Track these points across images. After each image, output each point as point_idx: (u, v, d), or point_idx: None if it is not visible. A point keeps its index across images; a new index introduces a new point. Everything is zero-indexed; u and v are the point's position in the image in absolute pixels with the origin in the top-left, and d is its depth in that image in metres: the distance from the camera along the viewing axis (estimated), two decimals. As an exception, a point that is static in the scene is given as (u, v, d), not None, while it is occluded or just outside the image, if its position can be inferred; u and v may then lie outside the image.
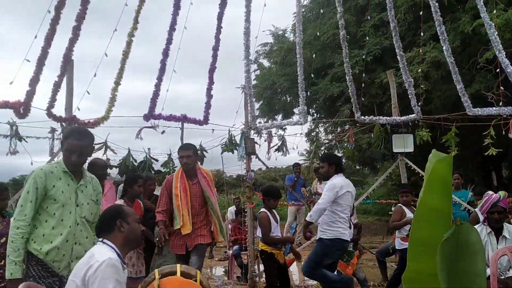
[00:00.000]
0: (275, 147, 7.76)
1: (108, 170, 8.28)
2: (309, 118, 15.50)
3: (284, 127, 9.73)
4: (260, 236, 5.43)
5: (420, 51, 9.38)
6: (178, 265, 3.17)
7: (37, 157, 7.82)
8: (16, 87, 5.88)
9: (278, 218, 5.63)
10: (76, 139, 3.39)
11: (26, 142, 6.21)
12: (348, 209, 5.44)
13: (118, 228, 2.84)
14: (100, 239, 2.87)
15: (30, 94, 5.75)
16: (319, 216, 5.26)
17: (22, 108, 5.61)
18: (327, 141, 13.79)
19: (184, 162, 5.12)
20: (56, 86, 5.99)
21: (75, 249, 3.33)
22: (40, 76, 5.93)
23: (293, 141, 8.39)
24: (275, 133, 8.12)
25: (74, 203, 3.39)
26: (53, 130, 6.26)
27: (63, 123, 5.93)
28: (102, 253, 2.70)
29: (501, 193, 4.82)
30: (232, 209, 10.49)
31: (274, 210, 5.61)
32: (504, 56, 6.82)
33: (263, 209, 5.54)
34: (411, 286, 1.91)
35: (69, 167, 3.42)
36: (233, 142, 7.34)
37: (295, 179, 10.94)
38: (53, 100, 5.90)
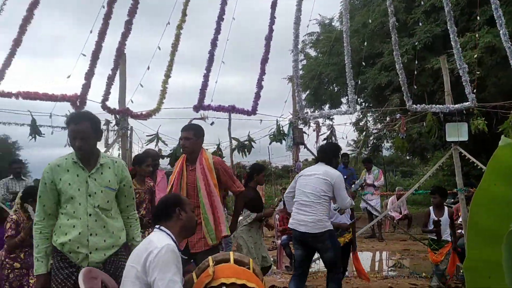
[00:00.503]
0: (324, 137, 7.70)
1: (160, 160, 8.51)
2: (358, 107, 15.28)
3: (332, 117, 9.64)
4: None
5: (477, 35, 9.02)
6: (231, 253, 3.21)
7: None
8: (73, 81, 6.12)
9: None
10: (74, 124, 3.22)
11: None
12: (300, 193, 4.99)
13: (177, 215, 2.92)
14: (158, 226, 2.94)
15: (86, 88, 5.96)
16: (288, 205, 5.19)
17: (78, 101, 5.83)
18: (376, 131, 13.54)
19: (182, 144, 4.55)
20: (110, 80, 6.18)
21: (91, 241, 3.19)
22: (95, 70, 6.13)
23: (342, 131, 8.31)
24: (323, 123, 8.07)
25: (84, 193, 3.22)
26: (107, 122, 6.48)
27: (117, 115, 6.12)
28: (160, 239, 2.78)
29: None
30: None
31: None
32: None
33: None
34: (473, 275, 1.84)
35: (78, 156, 3.27)
36: (281, 132, 7.34)
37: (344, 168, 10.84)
38: (107, 93, 6.10)
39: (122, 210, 3.47)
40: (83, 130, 3.20)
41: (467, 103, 6.98)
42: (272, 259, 9.20)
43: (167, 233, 2.87)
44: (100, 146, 6.53)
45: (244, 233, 5.67)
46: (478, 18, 8.48)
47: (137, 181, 5.40)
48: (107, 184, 3.29)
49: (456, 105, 7.02)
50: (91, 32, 5.87)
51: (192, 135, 4.45)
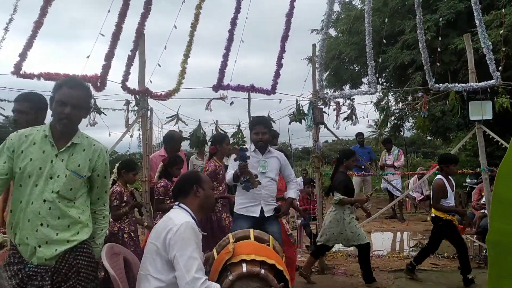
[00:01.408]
0: (344, 116, 7.63)
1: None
2: (379, 87, 15.05)
3: (352, 97, 9.52)
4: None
5: (503, 11, 8.75)
6: (251, 230, 3.24)
7: (114, 130, 8.22)
8: (93, 62, 6.15)
9: (454, 185, 6.19)
10: (70, 87, 2.75)
11: (105, 115, 6.51)
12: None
13: (194, 192, 2.96)
14: (177, 203, 2.98)
15: (106, 68, 5.98)
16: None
17: (99, 82, 5.86)
18: (397, 110, 13.37)
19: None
20: (130, 60, 6.18)
21: (41, 232, 2.65)
22: (115, 51, 6.15)
23: (362, 110, 8.22)
24: (343, 103, 7.97)
25: (45, 174, 2.68)
26: (127, 103, 6.52)
27: (137, 96, 6.15)
28: (180, 217, 2.81)
29: None
30: (299, 180, 10.53)
31: (451, 178, 6.13)
32: None
33: (439, 176, 6.10)
34: (496, 249, 1.80)
35: (54, 128, 2.77)
36: (301, 112, 7.29)
37: (360, 148, 10.85)
38: (127, 73, 6.11)
39: (90, 203, 2.97)
40: (78, 97, 2.77)
41: (491, 81, 6.80)
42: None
43: (186, 210, 2.90)
44: (121, 126, 6.63)
45: (331, 215, 5.99)
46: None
47: (218, 159, 5.82)
48: (74, 169, 2.77)
49: (480, 83, 6.85)
50: (108, 11, 5.85)
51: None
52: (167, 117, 6.83)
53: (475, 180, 10.91)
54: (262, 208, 4.75)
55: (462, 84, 6.97)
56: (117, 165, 5.17)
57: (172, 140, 6.13)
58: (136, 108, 6.22)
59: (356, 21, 13.54)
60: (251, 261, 2.91)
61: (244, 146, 4.78)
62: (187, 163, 8.36)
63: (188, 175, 3.20)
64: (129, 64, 6.10)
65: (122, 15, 6.10)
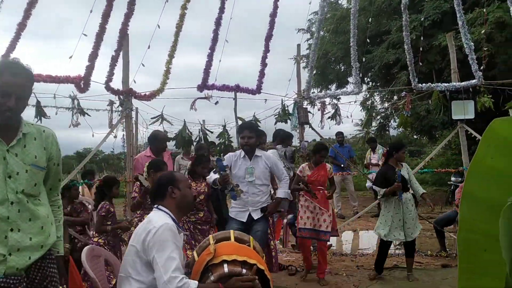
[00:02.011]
0: (329, 115, 7.67)
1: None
2: (364, 87, 15.18)
3: (338, 97, 9.58)
4: None
5: (484, 10, 8.85)
6: (232, 231, 3.24)
7: (98, 130, 8.19)
8: (76, 63, 6.13)
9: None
10: (13, 75, 2.36)
11: (89, 116, 6.49)
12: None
13: (169, 194, 2.94)
14: (156, 205, 2.98)
15: (90, 69, 5.97)
16: None
17: (82, 83, 5.84)
18: (382, 110, 13.47)
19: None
20: (114, 61, 6.18)
21: (11, 238, 2.31)
22: (99, 51, 6.13)
23: (347, 110, 8.27)
24: (329, 103, 8.03)
25: (1, 174, 2.35)
26: (111, 103, 6.51)
27: (121, 96, 6.13)
28: (159, 219, 2.81)
29: None
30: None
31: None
32: None
33: None
34: (467, 247, 1.83)
35: None
36: (286, 112, 7.32)
37: (339, 147, 10.94)
38: (110, 74, 6.11)
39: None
40: (22, 85, 2.41)
41: (473, 80, 6.89)
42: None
43: (165, 212, 2.90)
44: (104, 127, 6.62)
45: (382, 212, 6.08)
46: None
47: None
48: (33, 161, 2.45)
49: (463, 83, 6.94)
50: (91, 11, 5.84)
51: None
52: (151, 118, 6.82)
53: (460, 179, 11.02)
54: (250, 213, 4.93)
55: (445, 84, 7.06)
56: (146, 164, 5.28)
57: (156, 140, 6.11)
58: (120, 108, 6.20)
59: (342, 21, 13.63)
60: (232, 261, 2.91)
61: (220, 157, 4.91)
62: (173, 163, 8.34)
63: (162, 177, 3.15)
64: (112, 65, 6.09)
65: (106, 16, 6.08)
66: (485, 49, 7.37)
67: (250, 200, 4.91)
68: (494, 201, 1.75)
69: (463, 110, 6.83)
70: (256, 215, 4.94)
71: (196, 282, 2.70)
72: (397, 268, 6.48)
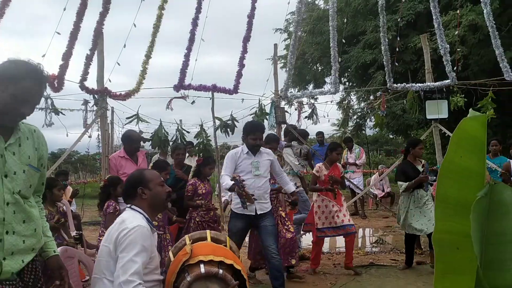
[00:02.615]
0: (306, 115, 7.72)
1: (142, 143, 8.46)
2: (341, 87, 15.32)
3: (315, 97, 9.65)
4: None
5: (458, 12, 9.03)
6: (208, 231, 3.23)
7: (72, 130, 8.07)
8: (50, 61, 6.04)
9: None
10: (34, 82, 2.26)
11: (64, 115, 6.38)
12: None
13: (139, 195, 2.90)
14: (128, 205, 2.94)
15: (64, 68, 5.87)
16: None
17: (56, 82, 5.74)
18: (359, 110, 13.61)
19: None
20: (88, 60, 6.09)
21: (7, 241, 2.20)
22: (73, 50, 6.04)
23: (323, 109, 8.33)
24: (306, 103, 8.07)
25: None
26: (86, 102, 6.41)
27: (95, 95, 6.05)
28: (133, 219, 2.77)
29: None
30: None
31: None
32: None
33: None
34: (440, 245, 1.87)
35: None
36: (264, 111, 7.33)
37: (319, 146, 10.97)
38: (85, 73, 6.02)
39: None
40: (41, 93, 2.35)
41: (447, 81, 7.02)
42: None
43: (138, 212, 2.86)
44: (79, 127, 6.52)
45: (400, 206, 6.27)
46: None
47: None
48: (28, 161, 2.34)
49: (436, 83, 7.06)
50: (64, 9, 5.75)
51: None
52: (127, 117, 6.75)
53: (434, 177, 11.18)
54: (255, 207, 4.97)
55: (419, 84, 7.18)
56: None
57: (129, 140, 6.01)
58: (94, 108, 6.12)
59: (319, 22, 13.72)
60: (209, 261, 2.90)
61: (237, 176, 4.79)
62: (147, 162, 8.27)
63: (131, 178, 3.07)
64: (87, 63, 6.01)
65: (80, 14, 5.99)
66: (459, 49, 7.52)
67: (257, 193, 4.94)
68: (465, 200, 1.79)
69: (437, 110, 6.95)
70: (261, 210, 5.02)
71: None
72: (373, 265, 6.55)
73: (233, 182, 4.68)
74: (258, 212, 4.99)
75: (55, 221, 4.94)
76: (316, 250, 6.30)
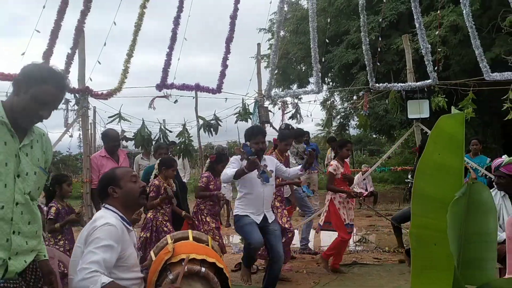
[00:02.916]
0: (289, 115, 7.74)
1: (124, 143, 8.39)
2: (325, 87, 15.40)
3: (299, 96, 9.67)
4: None
5: (439, 12, 9.14)
6: (190, 231, 3.23)
7: (53, 130, 7.98)
8: (30, 60, 5.94)
9: None
10: (57, 88, 2.30)
11: (43, 113, 6.29)
12: None
13: (111, 195, 2.87)
14: (103, 204, 2.92)
15: (44, 67, 5.80)
16: None
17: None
18: (342, 110, 13.68)
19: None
20: (69, 58, 6.03)
21: (14, 241, 2.23)
22: (54, 49, 5.97)
23: (307, 109, 8.36)
24: (290, 102, 8.10)
25: (12, 172, 2.22)
26: (67, 101, 6.32)
27: (77, 94, 5.99)
28: (103, 218, 2.75)
29: (506, 159, 4.70)
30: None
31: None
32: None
33: None
34: (417, 241, 1.88)
35: (12, 118, 2.24)
36: (247, 111, 7.33)
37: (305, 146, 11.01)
38: (66, 72, 5.95)
39: None
40: (61, 99, 2.41)
41: (428, 81, 7.10)
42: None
43: (112, 211, 2.84)
44: (60, 126, 6.44)
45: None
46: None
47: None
48: (38, 164, 2.39)
49: (418, 83, 7.14)
50: (44, 7, 5.67)
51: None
52: (109, 117, 6.68)
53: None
54: (265, 216, 5.00)
55: (401, 84, 7.25)
56: (157, 161, 5.56)
57: (106, 138, 5.97)
58: (76, 107, 6.05)
59: (303, 21, 13.77)
60: (191, 260, 2.89)
61: (246, 143, 4.84)
62: (131, 163, 8.22)
63: (103, 178, 3.04)
64: (68, 62, 5.94)
65: (61, 12, 5.92)
66: (440, 50, 7.61)
67: (265, 203, 4.98)
68: (442, 197, 1.81)
69: (418, 110, 7.03)
70: (270, 218, 5.05)
71: (110, 280, 2.56)
72: (356, 264, 6.59)
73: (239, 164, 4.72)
74: (269, 221, 5.02)
75: (77, 211, 4.98)
76: (343, 247, 6.36)
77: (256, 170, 4.62)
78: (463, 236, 1.80)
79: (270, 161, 5.16)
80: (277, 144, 6.17)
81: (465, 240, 1.81)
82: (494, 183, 4.76)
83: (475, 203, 1.80)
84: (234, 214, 5.18)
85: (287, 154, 6.35)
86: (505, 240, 4.19)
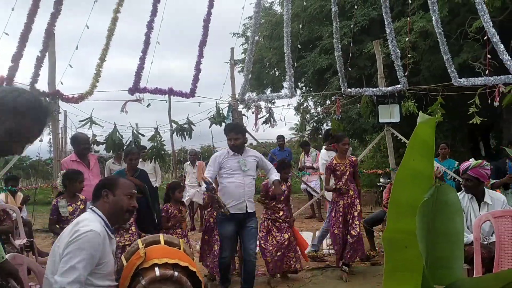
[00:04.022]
0: (263, 119, 7.76)
1: (96, 147, 8.27)
2: (298, 91, 15.51)
3: (273, 101, 9.70)
4: None
5: (408, 19, 9.33)
6: (161, 235, 3.20)
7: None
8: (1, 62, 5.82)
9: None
10: (36, 124, 2.12)
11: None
12: None
13: (103, 197, 2.86)
14: (91, 206, 2.89)
15: (13, 70, 5.69)
16: None
17: (5, 84, 5.55)
18: (316, 114, 13.80)
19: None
20: (39, 61, 5.92)
21: None
22: (23, 51, 5.86)
23: (280, 113, 8.40)
24: (264, 107, 8.11)
25: None
26: (36, 105, 6.20)
27: (47, 98, 5.88)
28: (88, 222, 2.71)
29: (472, 162, 4.84)
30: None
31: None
32: (491, 25, 6.80)
33: None
34: (390, 245, 1.92)
35: None
36: (221, 115, 7.31)
37: (279, 150, 11.10)
38: (36, 75, 5.85)
39: None
40: (38, 135, 2.25)
41: (398, 86, 7.24)
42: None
43: (98, 215, 2.81)
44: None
45: None
46: (410, 1, 8.77)
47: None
48: None
49: (389, 88, 7.27)
50: (12, 9, 5.56)
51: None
52: (80, 121, 6.58)
53: (388, 180, 11.48)
54: (246, 205, 5.21)
55: (372, 89, 7.36)
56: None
57: (76, 142, 5.89)
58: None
59: (277, 27, 13.84)
60: (164, 264, 2.87)
61: (207, 180, 4.93)
62: (102, 167, 8.11)
63: (103, 179, 3.10)
64: (38, 65, 5.83)
65: (31, 15, 5.81)
66: (410, 56, 7.76)
67: (246, 191, 5.20)
68: (414, 201, 1.85)
69: (389, 114, 7.16)
70: (251, 208, 5.26)
71: None
72: (329, 267, 6.65)
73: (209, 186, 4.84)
74: (249, 210, 5.23)
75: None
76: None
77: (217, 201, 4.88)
78: (431, 236, 1.85)
79: (253, 154, 5.40)
80: (336, 148, 6.48)
81: (433, 240, 1.85)
82: (462, 186, 4.89)
83: (442, 204, 1.85)
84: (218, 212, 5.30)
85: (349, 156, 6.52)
86: (473, 241, 4.31)
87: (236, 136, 5.29)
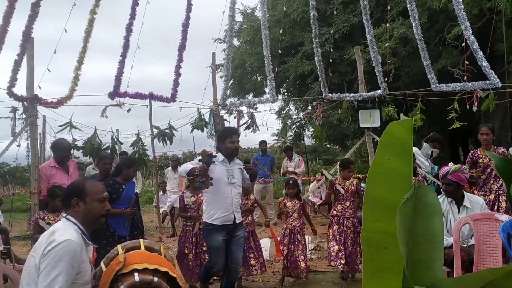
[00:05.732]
0: (245, 125, 7.75)
1: (76, 153, 8.16)
2: (280, 96, 15.56)
3: (255, 106, 9.71)
4: None
5: (388, 25, 9.45)
6: (141, 240, 3.16)
7: (-1, 139, 7.66)
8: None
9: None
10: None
11: (-11, 124, 6.05)
12: None
13: (73, 207, 2.79)
14: (64, 215, 2.83)
15: (-11, 73, 5.59)
16: None
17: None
18: (297, 119, 13.85)
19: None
20: (16, 65, 5.82)
21: None
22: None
23: (262, 118, 8.41)
24: (246, 112, 8.12)
25: None
26: (14, 110, 6.09)
27: (25, 103, 5.78)
28: (64, 232, 2.65)
29: (452, 166, 4.90)
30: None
31: None
32: (471, 32, 6.92)
33: None
34: (368, 245, 1.92)
35: None
36: (203, 119, 7.29)
37: (262, 156, 11.13)
38: (13, 79, 5.74)
39: None
40: None
41: (379, 91, 7.31)
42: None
43: (73, 222, 2.75)
44: (7, 136, 6.18)
45: None
46: (389, 8, 8.88)
47: None
48: None
49: (369, 93, 7.34)
50: (-12, 12, 5.47)
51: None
52: (59, 126, 6.49)
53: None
54: (234, 215, 5.02)
55: (353, 94, 7.42)
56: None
57: (57, 148, 5.81)
58: (24, 115, 5.84)
59: (259, 32, 13.85)
60: (143, 270, 2.83)
61: (213, 154, 4.85)
62: (81, 174, 8.00)
63: (71, 186, 2.97)
64: (15, 69, 5.73)
65: (7, 17, 5.72)
66: (389, 61, 7.85)
67: (234, 202, 5.02)
68: (392, 201, 1.85)
69: (369, 119, 7.22)
70: (239, 219, 5.11)
71: None
72: (311, 271, 6.64)
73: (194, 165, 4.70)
74: (237, 221, 5.06)
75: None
76: None
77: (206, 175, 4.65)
78: (411, 237, 1.85)
79: (238, 164, 5.23)
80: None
81: (413, 241, 1.85)
82: (442, 190, 4.95)
83: (422, 205, 1.85)
84: (203, 220, 5.15)
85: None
86: (452, 244, 4.35)
87: (238, 139, 5.20)
